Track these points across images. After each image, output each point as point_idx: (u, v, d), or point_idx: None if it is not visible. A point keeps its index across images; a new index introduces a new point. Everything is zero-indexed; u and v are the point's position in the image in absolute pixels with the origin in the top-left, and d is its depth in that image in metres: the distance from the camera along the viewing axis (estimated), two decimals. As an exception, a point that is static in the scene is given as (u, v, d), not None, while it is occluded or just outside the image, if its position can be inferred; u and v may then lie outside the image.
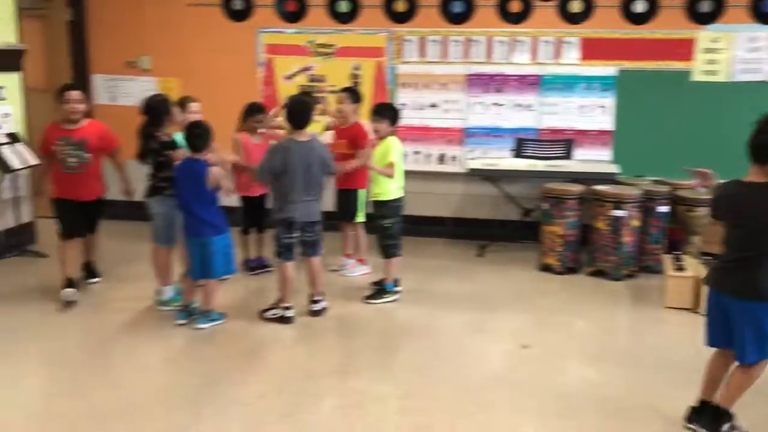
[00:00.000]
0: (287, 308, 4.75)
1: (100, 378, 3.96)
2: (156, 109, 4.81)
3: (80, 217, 5.22)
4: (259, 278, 5.70)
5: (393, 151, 5.03)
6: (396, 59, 6.82)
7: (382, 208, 5.13)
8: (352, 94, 5.69)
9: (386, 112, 5.12)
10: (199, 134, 4.52)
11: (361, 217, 5.73)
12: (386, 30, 6.77)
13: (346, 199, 5.68)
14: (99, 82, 7.45)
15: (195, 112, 5.25)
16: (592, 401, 3.71)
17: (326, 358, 4.30)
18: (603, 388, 3.86)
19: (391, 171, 5.02)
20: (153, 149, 4.73)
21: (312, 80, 6.98)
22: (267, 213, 5.65)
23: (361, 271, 5.80)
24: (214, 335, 4.54)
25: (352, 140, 5.49)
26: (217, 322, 4.67)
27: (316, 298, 4.89)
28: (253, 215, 5.80)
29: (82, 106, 5.12)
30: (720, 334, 3.27)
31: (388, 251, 5.18)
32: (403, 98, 6.85)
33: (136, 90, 7.21)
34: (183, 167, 4.57)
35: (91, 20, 7.36)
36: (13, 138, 6.12)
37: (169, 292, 4.97)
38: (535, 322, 4.86)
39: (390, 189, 5.09)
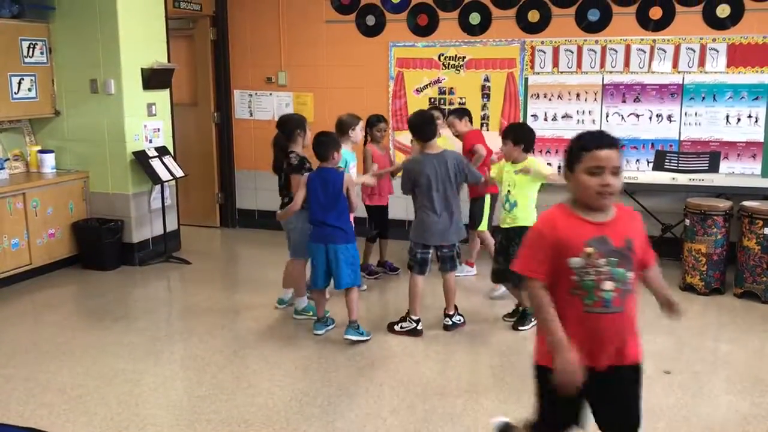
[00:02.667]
0: (416, 321, 4.77)
1: (241, 383, 4.13)
2: (289, 125, 4.99)
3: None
4: (382, 289, 5.77)
5: (541, 165, 4.77)
6: (528, 70, 6.70)
7: (520, 234, 4.83)
8: (457, 112, 5.97)
9: (519, 136, 4.78)
10: (323, 142, 4.63)
11: (484, 226, 5.78)
12: (519, 40, 6.68)
13: (474, 206, 5.82)
14: (238, 97, 7.82)
15: (356, 129, 5.48)
16: (745, 435, 3.46)
17: (457, 375, 4.26)
18: (757, 423, 3.58)
19: (550, 176, 4.69)
20: (290, 164, 4.89)
21: (441, 92, 7.00)
22: (389, 220, 6.01)
23: (466, 272, 5.89)
24: (344, 346, 4.62)
25: (468, 145, 5.73)
26: (365, 338, 4.68)
27: (450, 313, 4.88)
28: (378, 223, 5.96)
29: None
30: None
31: (516, 279, 4.73)
32: (534, 109, 6.72)
33: (272, 105, 7.52)
34: (315, 176, 4.66)
35: (232, 39, 7.74)
36: (163, 151, 6.55)
37: (303, 301, 5.12)
38: (678, 346, 4.60)
39: (532, 216, 4.71)
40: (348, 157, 5.27)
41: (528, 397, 3.90)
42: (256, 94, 7.71)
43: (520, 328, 4.88)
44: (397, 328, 4.81)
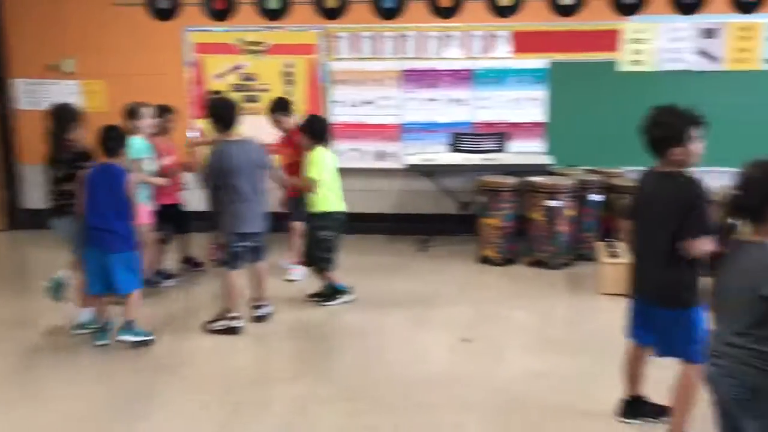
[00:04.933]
0: (235, 318, 4.60)
1: (29, 395, 3.79)
2: (62, 114, 4.55)
3: None
4: (189, 287, 5.58)
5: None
6: (329, 56, 6.76)
7: (322, 220, 4.94)
8: (280, 107, 5.58)
9: (308, 127, 4.99)
10: (113, 137, 4.28)
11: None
12: (318, 27, 6.70)
13: (296, 204, 5.42)
14: (20, 86, 7.14)
15: (147, 118, 5.10)
16: (536, 393, 3.74)
17: (270, 365, 4.23)
18: (546, 380, 3.90)
19: (307, 185, 4.85)
20: (65, 159, 4.45)
21: (244, 79, 6.86)
22: (188, 217, 5.64)
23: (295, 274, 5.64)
24: (142, 350, 4.35)
25: (297, 147, 5.30)
26: (145, 338, 4.38)
27: (259, 304, 4.79)
28: (173, 222, 5.55)
29: None
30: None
31: (320, 264, 4.99)
32: (338, 95, 6.80)
33: (59, 94, 6.93)
34: (97, 172, 4.26)
35: (9, 23, 7.04)
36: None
37: (85, 314, 4.57)
38: (477, 316, 4.90)
39: (326, 200, 4.90)
40: (141, 149, 4.97)
41: (337, 374, 3.97)
42: (40, 82, 7.08)
43: (326, 304, 5.03)
44: (213, 326, 4.62)
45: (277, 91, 6.67)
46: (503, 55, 6.59)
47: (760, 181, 2.16)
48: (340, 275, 5.10)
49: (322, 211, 4.94)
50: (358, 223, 6.65)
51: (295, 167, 5.24)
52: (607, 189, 6.00)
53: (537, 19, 6.48)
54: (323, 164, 4.88)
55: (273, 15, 6.74)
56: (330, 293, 5.07)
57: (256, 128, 5.61)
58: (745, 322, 2.14)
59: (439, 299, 5.19)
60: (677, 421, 3.01)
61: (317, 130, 4.97)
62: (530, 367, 4.06)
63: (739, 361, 2.15)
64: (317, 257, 5.00)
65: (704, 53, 6.37)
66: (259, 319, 4.76)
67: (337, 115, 6.76)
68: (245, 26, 6.78)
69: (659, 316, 3.02)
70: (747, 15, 6.23)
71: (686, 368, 2.99)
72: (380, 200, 6.98)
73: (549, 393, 3.73)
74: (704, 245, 2.69)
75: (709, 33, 6.34)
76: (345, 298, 5.07)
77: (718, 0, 6.27)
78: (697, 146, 2.82)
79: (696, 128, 2.80)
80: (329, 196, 4.94)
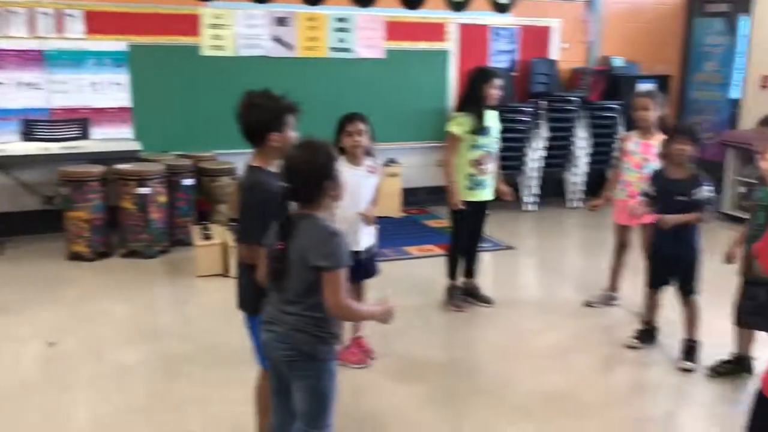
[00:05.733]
0: None
1: None
2: None
3: None
4: None
5: None
6: None
7: None
8: None
9: None
10: None
11: None
12: None
13: None
14: None
15: None
16: (130, 385, 3.61)
17: None
18: (140, 370, 3.79)
19: None
20: None
21: None
22: None
23: None
24: None
25: None
26: None
27: None
28: None
29: None
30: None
31: None
32: None
33: None
34: None
35: None
36: None
37: None
38: (69, 315, 4.53)
39: None
40: None
41: None
42: None
43: None
44: None
45: None
46: (76, 36, 6.13)
47: (303, 163, 2.25)
48: None
49: None
50: None
51: None
52: (199, 173, 6.04)
53: (115, -1, 6.19)
54: None
55: None
56: None
57: None
58: (296, 290, 2.27)
59: (24, 304, 4.67)
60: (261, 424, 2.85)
61: None
62: (125, 359, 3.90)
63: (292, 327, 2.29)
64: None
65: (279, 40, 6.80)
66: None
67: None
68: None
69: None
70: (313, 6, 6.80)
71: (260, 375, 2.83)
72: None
73: (141, 384, 3.63)
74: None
75: (281, 21, 6.78)
76: None
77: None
78: (293, 134, 2.65)
79: (292, 115, 2.65)
80: None
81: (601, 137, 7.71)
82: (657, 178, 3.94)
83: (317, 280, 2.24)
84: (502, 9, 7.22)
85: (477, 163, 4.43)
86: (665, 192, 3.82)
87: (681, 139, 3.78)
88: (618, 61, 8.07)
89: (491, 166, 4.51)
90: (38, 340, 4.11)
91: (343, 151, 3.70)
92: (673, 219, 3.74)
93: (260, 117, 2.60)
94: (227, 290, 4.61)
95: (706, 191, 3.71)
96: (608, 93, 7.86)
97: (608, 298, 4.81)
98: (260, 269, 2.43)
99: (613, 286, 4.81)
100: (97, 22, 6.17)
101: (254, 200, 2.55)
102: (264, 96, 2.64)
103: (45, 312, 4.58)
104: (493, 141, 4.50)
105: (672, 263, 3.85)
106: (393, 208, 7.06)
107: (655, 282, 4.03)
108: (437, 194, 6.72)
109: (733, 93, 8.11)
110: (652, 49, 8.36)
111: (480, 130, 4.39)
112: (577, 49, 8.05)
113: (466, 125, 4.39)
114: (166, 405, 3.42)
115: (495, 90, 4.38)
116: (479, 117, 4.39)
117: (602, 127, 7.71)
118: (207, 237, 5.31)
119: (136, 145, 6.13)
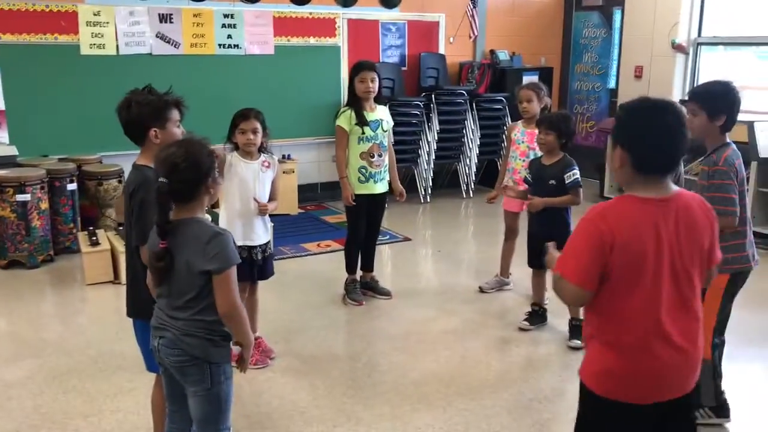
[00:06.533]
0: None
1: None
2: None
3: None
4: None
5: None
6: None
7: None
8: None
9: None
10: None
11: None
12: None
13: None
14: None
15: None
16: (12, 403, 3.42)
17: None
18: (23, 387, 3.60)
19: None
20: None
21: None
22: None
23: None
24: None
25: None
26: None
27: None
28: None
29: None
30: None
31: None
32: None
33: None
34: None
35: None
36: None
37: None
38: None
39: None
40: None
41: None
42: None
43: None
44: None
45: None
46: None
47: (182, 164, 2.15)
48: None
49: None
50: None
51: None
52: (83, 177, 5.79)
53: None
54: None
55: None
56: None
57: None
58: (185, 295, 2.22)
59: None
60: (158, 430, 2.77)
61: None
62: (9, 377, 3.68)
63: (182, 332, 2.24)
64: None
65: (163, 38, 6.60)
66: None
67: None
68: None
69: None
70: (199, 2, 6.63)
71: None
72: None
73: (25, 401, 3.45)
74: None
75: (166, 18, 6.58)
76: None
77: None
78: (176, 130, 2.59)
79: (175, 109, 2.58)
80: None
81: (489, 128, 7.97)
82: (533, 164, 4.21)
83: (207, 284, 2.20)
84: (389, 4, 7.30)
85: (367, 155, 4.48)
86: (539, 177, 4.10)
87: (543, 129, 4.03)
88: (503, 55, 8.34)
89: (383, 160, 4.56)
90: None
91: (237, 146, 3.66)
92: (541, 201, 4.00)
93: (140, 112, 2.52)
94: (118, 297, 4.50)
95: (573, 175, 3.94)
96: (495, 85, 8.12)
97: (500, 283, 4.98)
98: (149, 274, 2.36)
99: (505, 272, 4.99)
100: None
101: (148, 198, 2.39)
102: (144, 92, 2.57)
103: None
104: (382, 134, 4.54)
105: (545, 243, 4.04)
106: (290, 204, 7.02)
107: (533, 262, 4.26)
108: (333, 189, 6.76)
109: (612, 83, 8.56)
110: (535, 42, 8.71)
111: (362, 122, 4.43)
112: (464, 43, 8.26)
113: (352, 118, 4.43)
114: (56, 422, 3.26)
115: (364, 83, 4.40)
116: (358, 110, 4.43)
117: (490, 119, 7.96)
118: (94, 243, 5.09)
119: (11, 150, 5.79)
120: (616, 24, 8.43)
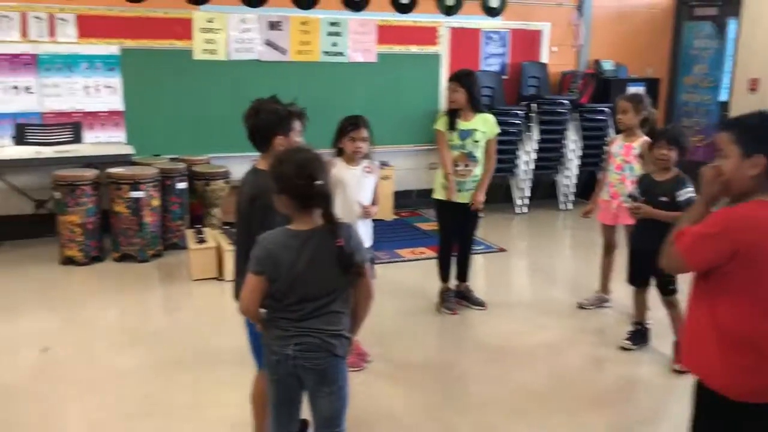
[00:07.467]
0: None
1: None
2: None
3: None
4: None
5: None
6: None
7: None
8: None
9: None
10: None
11: None
12: None
13: None
14: None
15: None
16: (125, 390, 3.61)
17: None
18: (135, 375, 3.79)
19: None
20: None
21: None
22: None
23: None
24: None
25: None
26: None
27: None
28: None
29: None
30: None
31: None
32: None
33: None
34: None
35: None
36: None
37: None
38: (62, 321, 4.53)
39: None
40: None
41: None
42: None
43: None
44: None
45: None
46: (68, 40, 6.13)
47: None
48: None
49: None
50: None
51: None
52: (192, 176, 6.05)
53: (104, 2, 6.17)
54: None
55: None
56: None
57: None
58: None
59: (17, 310, 4.66)
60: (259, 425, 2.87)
61: None
62: (119, 365, 3.89)
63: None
64: None
65: (271, 44, 6.81)
66: None
67: None
68: None
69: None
70: (306, 11, 6.80)
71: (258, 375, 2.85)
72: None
73: (136, 387, 3.64)
74: None
75: (274, 25, 6.80)
76: None
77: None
78: (298, 139, 2.70)
79: (299, 120, 2.71)
80: None
81: (591, 140, 7.77)
82: (643, 180, 4.00)
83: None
84: (492, 13, 7.26)
85: (454, 163, 4.47)
86: (649, 194, 3.87)
87: (664, 145, 3.84)
88: (607, 65, 8.13)
89: (470, 170, 4.51)
90: (31, 346, 4.10)
91: (341, 152, 3.74)
92: (648, 210, 3.79)
93: (267, 119, 2.64)
94: (221, 294, 4.69)
95: (688, 193, 3.75)
96: (598, 96, 7.92)
97: (601, 300, 4.85)
98: None
99: (605, 288, 4.85)
100: (90, 26, 6.17)
101: (270, 203, 2.39)
102: (272, 101, 2.71)
103: (38, 317, 4.58)
104: (472, 144, 4.48)
105: (649, 260, 3.89)
106: (385, 210, 7.09)
107: (634, 279, 4.10)
108: (429, 197, 6.76)
109: (723, 96, 8.19)
110: (641, 52, 8.44)
111: (452, 128, 4.45)
112: (567, 52, 8.11)
113: (446, 123, 4.48)
114: (161, 410, 3.42)
115: (449, 92, 4.50)
116: (449, 116, 4.47)
117: (592, 129, 7.77)
118: (201, 240, 5.31)
119: (128, 149, 6.12)
120: (730, 35, 8.06)
